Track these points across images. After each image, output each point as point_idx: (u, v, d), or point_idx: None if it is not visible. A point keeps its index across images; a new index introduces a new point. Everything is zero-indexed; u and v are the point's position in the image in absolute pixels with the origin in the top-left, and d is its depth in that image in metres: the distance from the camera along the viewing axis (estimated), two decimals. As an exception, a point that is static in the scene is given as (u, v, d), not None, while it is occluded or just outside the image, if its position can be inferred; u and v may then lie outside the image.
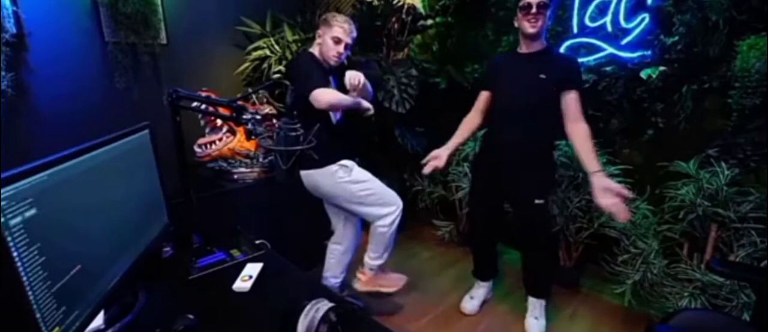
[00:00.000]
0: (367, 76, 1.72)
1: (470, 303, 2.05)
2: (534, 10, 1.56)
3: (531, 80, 1.65)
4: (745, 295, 1.57)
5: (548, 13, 1.60)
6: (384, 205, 1.68)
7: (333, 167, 1.64)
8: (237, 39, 2.61)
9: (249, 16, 2.57)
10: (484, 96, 1.87)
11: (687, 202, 1.77)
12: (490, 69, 1.91)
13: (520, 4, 1.61)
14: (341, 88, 1.69)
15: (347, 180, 1.65)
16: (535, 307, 1.90)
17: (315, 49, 1.67)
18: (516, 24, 1.67)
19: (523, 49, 1.70)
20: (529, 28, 1.60)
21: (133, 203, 1.05)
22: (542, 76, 1.63)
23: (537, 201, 1.72)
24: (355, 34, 1.65)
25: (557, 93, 1.62)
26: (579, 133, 1.58)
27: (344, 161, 1.67)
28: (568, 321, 1.97)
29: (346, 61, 1.73)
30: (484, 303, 2.08)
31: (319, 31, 1.64)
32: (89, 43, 2.05)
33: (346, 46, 1.63)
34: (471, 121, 1.90)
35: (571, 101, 1.61)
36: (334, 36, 1.60)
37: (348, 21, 1.63)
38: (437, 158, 1.78)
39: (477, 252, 2.08)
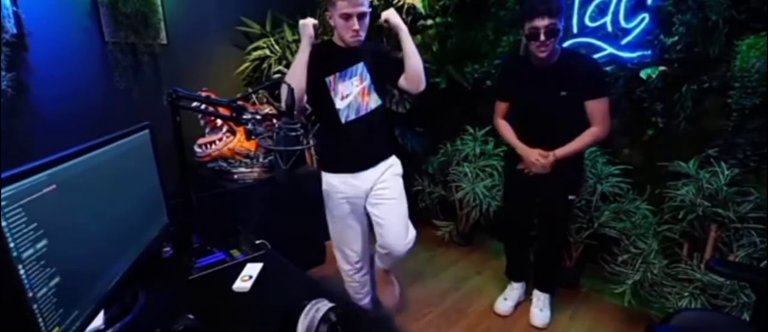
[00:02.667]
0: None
1: (504, 304, 2.03)
2: (542, 37, 1.48)
3: (552, 98, 1.61)
4: (745, 295, 1.57)
5: (560, 31, 1.51)
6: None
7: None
8: (237, 39, 2.61)
9: (249, 16, 2.57)
10: (502, 107, 1.84)
11: (687, 202, 1.77)
12: (505, 79, 1.87)
13: (527, 33, 1.53)
14: (375, 73, 1.51)
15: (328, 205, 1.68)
16: (540, 299, 1.95)
17: (335, 36, 1.49)
18: (522, 39, 1.64)
19: (538, 63, 1.61)
20: (540, 54, 1.53)
21: (133, 203, 1.05)
22: (563, 93, 1.57)
23: (570, 197, 1.74)
24: (366, 3, 1.39)
25: (581, 103, 1.59)
26: (588, 131, 1.60)
27: (331, 178, 1.60)
28: (568, 321, 1.97)
29: (384, 43, 1.57)
30: (518, 304, 2.07)
31: (328, 14, 1.45)
32: (89, 43, 2.05)
33: (361, 17, 1.38)
34: (507, 124, 1.85)
35: (594, 110, 1.58)
36: (341, 13, 1.37)
37: None
38: (542, 159, 1.68)
39: (510, 251, 2.08)
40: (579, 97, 1.57)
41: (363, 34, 1.42)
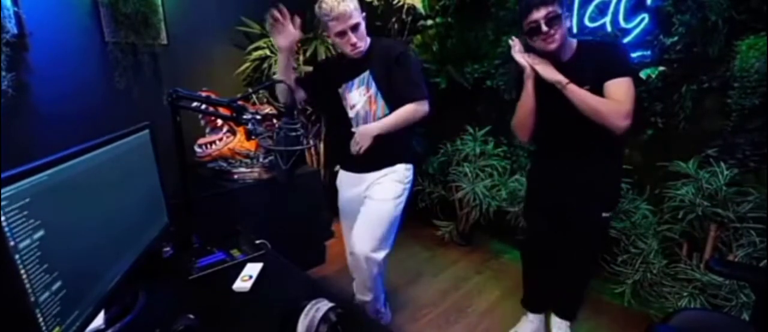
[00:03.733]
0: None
1: None
2: (544, 28, 1.30)
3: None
4: (745, 295, 1.58)
5: (564, 18, 1.33)
6: None
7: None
8: (237, 39, 2.62)
9: (249, 16, 2.57)
10: None
11: (686, 202, 1.77)
12: (519, 77, 1.55)
13: (526, 29, 1.36)
14: (383, 81, 1.48)
15: None
16: (561, 328, 1.77)
17: None
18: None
19: (552, 59, 1.41)
20: (546, 47, 1.35)
21: (133, 203, 1.05)
22: (587, 86, 1.34)
23: (604, 214, 1.50)
24: (351, 8, 1.37)
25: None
26: (602, 100, 1.32)
27: (341, 173, 1.65)
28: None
29: (388, 45, 1.50)
30: None
31: (327, 35, 1.50)
32: (89, 43, 2.05)
33: (354, 28, 1.39)
34: None
35: (613, 91, 1.30)
36: (335, 32, 1.40)
37: (337, 4, 1.35)
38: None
39: (529, 274, 1.81)
40: (600, 83, 1.33)
41: (362, 44, 1.43)
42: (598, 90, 1.33)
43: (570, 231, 1.59)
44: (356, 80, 1.52)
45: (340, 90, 1.56)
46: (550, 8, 1.29)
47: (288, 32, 1.41)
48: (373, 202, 1.54)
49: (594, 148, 1.46)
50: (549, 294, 1.79)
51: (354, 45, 1.41)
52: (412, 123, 1.49)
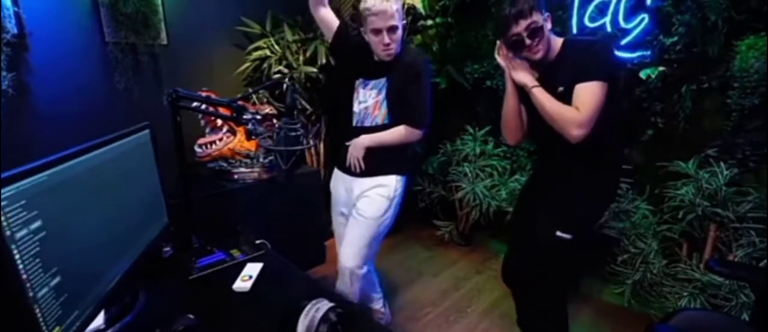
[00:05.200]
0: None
1: None
2: (527, 41, 1.27)
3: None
4: (745, 295, 1.58)
5: (545, 21, 1.28)
6: None
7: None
8: (237, 39, 2.61)
9: (249, 16, 2.57)
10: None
11: (686, 202, 1.77)
12: None
13: (508, 42, 1.32)
14: (392, 93, 1.48)
15: None
16: None
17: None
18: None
19: (530, 57, 1.35)
20: (532, 57, 1.31)
21: (133, 203, 1.05)
22: (560, 88, 1.30)
23: (558, 233, 1.36)
24: (393, 9, 1.35)
25: None
26: (565, 106, 1.26)
27: (335, 172, 1.67)
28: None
29: (410, 54, 1.48)
30: None
31: (363, 30, 1.45)
32: (89, 43, 2.05)
33: (390, 30, 1.36)
34: None
35: (577, 95, 1.24)
36: (372, 28, 1.37)
37: (379, 2, 1.34)
38: None
39: (518, 294, 1.71)
40: (575, 85, 1.27)
41: (394, 47, 1.41)
42: (570, 93, 1.27)
43: (523, 244, 1.56)
44: (372, 82, 1.52)
45: (356, 82, 1.57)
46: (530, 20, 1.25)
47: None
48: (360, 218, 1.53)
49: (572, 157, 1.37)
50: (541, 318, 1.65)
51: (387, 45, 1.39)
52: (403, 143, 1.52)
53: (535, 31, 1.26)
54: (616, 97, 1.31)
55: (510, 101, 1.45)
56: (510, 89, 1.43)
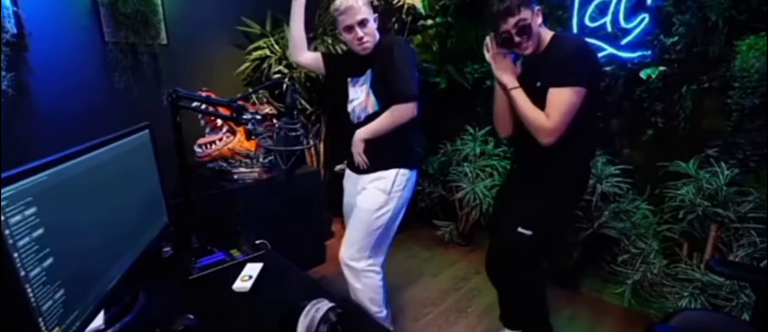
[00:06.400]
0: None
1: None
2: (516, 39, 1.27)
3: (529, 91, 1.32)
4: (745, 295, 1.57)
5: (535, 15, 1.27)
6: None
7: None
8: (237, 39, 2.62)
9: (249, 16, 2.57)
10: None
11: (687, 202, 1.77)
12: None
13: (498, 40, 1.33)
14: (375, 79, 1.49)
15: None
16: None
17: None
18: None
19: (521, 52, 1.35)
20: (522, 53, 1.33)
21: (133, 203, 1.05)
22: (538, 83, 1.30)
23: (520, 230, 1.40)
24: (360, 5, 1.40)
25: None
26: (539, 114, 1.27)
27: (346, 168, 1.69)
28: (567, 322, 1.97)
29: (391, 42, 1.48)
30: None
31: (338, 33, 1.51)
32: (89, 43, 2.05)
33: (362, 24, 1.41)
34: None
35: (549, 100, 1.25)
36: (343, 26, 1.43)
37: (345, 0, 1.40)
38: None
39: (501, 291, 1.76)
40: (549, 87, 1.26)
41: (369, 40, 1.44)
42: (546, 91, 1.27)
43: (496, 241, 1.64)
44: (361, 78, 1.55)
45: (347, 82, 1.60)
46: (518, 16, 1.24)
47: None
48: (357, 210, 1.54)
49: (540, 155, 1.35)
50: (523, 311, 1.72)
51: (360, 40, 1.42)
52: (399, 126, 1.45)
53: (524, 29, 1.26)
54: (593, 103, 1.31)
55: (500, 97, 1.46)
56: (498, 85, 1.45)
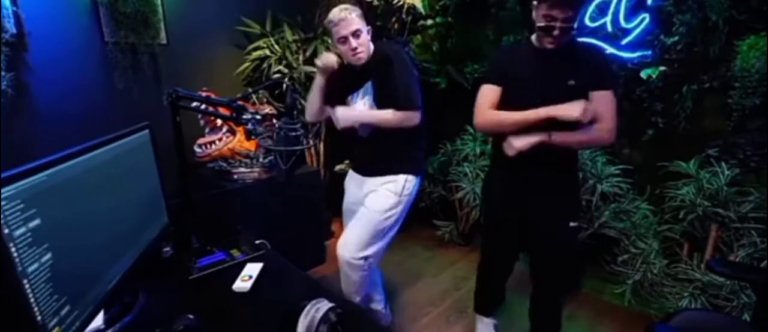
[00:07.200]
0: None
1: None
2: (557, 32, 1.25)
3: (558, 88, 1.30)
4: (745, 295, 1.57)
5: (573, 28, 1.28)
6: None
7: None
8: (237, 39, 2.61)
9: (249, 16, 2.57)
10: (491, 95, 1.43)
11: (687, 202, 1.77)
12: (500, 62, 1.50)
13: (539, 25, 1.29)
14: (377, 89, 1.51)
15: None
16: None
17: None
18: (534, 30, 1.36)
19: (544, 44, 1.33)
20: (549, 45, 1.31)
21: (133, 203, 1.05)
22: (571, 82, 1.30)
23: (572, 224, 1.43)
24: (353, 16, 1.42)
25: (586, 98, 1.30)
26: (595, 127, 1.29)
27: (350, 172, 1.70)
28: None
29: (388, 52, 1.50)
30: None
31: (332, 44, 1.52)
32: (89, 43, 2.05)
33: (355, 35, 1.42)
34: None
35: (601, 102, 1.28)
36: (337, 38, 1.44)
37: (339, 12, 1.42)
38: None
39: (484, 280, 1.79)
40: (587, 88, 1.30)
41: (363, 50, 1.46)
42: (582, 88, 1.30)
43: (538, 246, 1.55)
44: (361, 91, 1.56)
45: (349, 98, 1.60)
46: (572, 13, 1.23)
47: (330, 57, 1.51)
48: (365, 209, 1.55)
49: (556, 158, 1.39)
50: (502, 297, 1.84)
51: (354, 50, 1.44)
52: (397, 127, 1.47)
53: (567, 30, 1.26)
54: None
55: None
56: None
